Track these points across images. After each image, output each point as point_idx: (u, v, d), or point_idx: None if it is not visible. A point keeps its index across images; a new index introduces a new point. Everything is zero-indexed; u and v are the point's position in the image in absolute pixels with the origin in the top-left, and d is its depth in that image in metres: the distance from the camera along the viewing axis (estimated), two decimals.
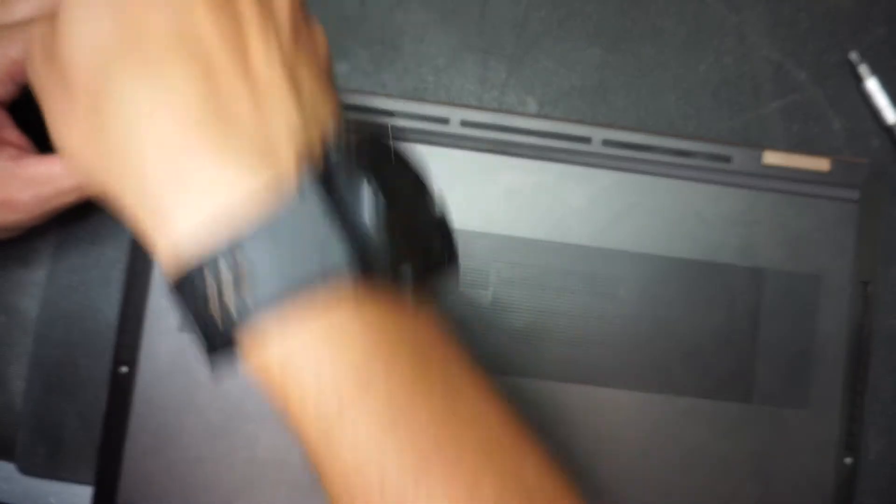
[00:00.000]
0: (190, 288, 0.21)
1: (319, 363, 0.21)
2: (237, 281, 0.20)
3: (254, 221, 0.20)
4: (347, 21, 0.39)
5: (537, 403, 0.36)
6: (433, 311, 0.23)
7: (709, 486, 0.36)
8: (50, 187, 0.29)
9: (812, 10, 0.40)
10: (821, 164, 0.37)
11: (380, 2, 0.39)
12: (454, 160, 0.37)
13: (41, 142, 0.28)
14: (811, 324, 0.37)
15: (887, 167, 0.39)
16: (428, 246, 0.23)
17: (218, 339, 0.21)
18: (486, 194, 0.37)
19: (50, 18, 0.22)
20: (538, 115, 0.38)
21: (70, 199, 0.29)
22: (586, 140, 0.37)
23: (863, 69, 0.39)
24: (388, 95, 0.37)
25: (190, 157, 0.21)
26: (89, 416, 0.36)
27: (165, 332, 0.35)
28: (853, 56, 0.39)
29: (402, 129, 0.33)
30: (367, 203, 0.21)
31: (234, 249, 0.20)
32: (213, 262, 0.20)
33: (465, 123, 0.37)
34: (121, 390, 0.35)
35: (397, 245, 0.21)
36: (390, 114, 0.37)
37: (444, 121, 0.37)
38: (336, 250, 0.20)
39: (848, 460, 0.36)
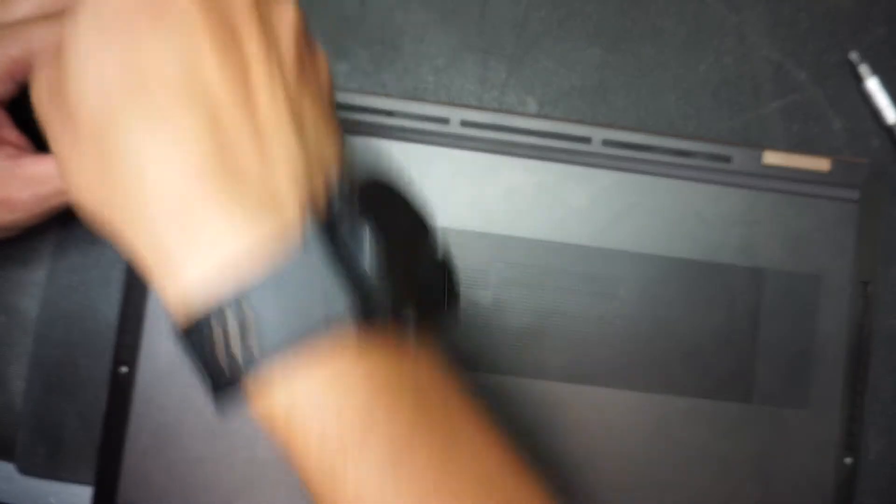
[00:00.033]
0: (198, 336, 0.21)
1: (323, 410, 0.21)
2: (243, 330, 0.20)
3: (259, 272, 0.20)
4: (347, 21, 0.39)
5: (538, 403, 0.36)
6: (434, 351, 0.24)
7: (709, 486, 0.36)
8: (49, 186, 0.29)
9: (812, 10, 0.40)
10: (821, 164, 0.37)
11: (380, 2, 0.39)
12: (454, 160, 0.36)
13: (40, 141, 0.28)
14: (811, 324, 0.37)
15: (887, 167, 0.39)
16: (429, 287, 0.23)
17: (225, 384, 0.21)
18: (486, 194, 0.37)
19: (55, 49, 0.22)
20: (538, 115, 0.38)
21: (69, 198, 0.29)
22: (586, 140, 0.37)
23: (863, 69, 0.39)
24: (388, 95, 0.37)
25: (197, 208, 0.21)
26: (89, 416, 0.36)
27: (165, 332, 0.35)
28: (853, 56, 0.39)
29: (402, 176, 0.32)
30: (368, 249, 0.21)
31: (240, 300, 0.20)
32: (219, 311, 0.20)
33: (465, 123, 0.37)
34: (121, 390, 0.35)
35: (399, 289, 0.21)
36: (390, 114, 0.37)
37: (444, 121, 0.37)
38: (339, 299, 0.20)
39: (848, 460, 0.36)
